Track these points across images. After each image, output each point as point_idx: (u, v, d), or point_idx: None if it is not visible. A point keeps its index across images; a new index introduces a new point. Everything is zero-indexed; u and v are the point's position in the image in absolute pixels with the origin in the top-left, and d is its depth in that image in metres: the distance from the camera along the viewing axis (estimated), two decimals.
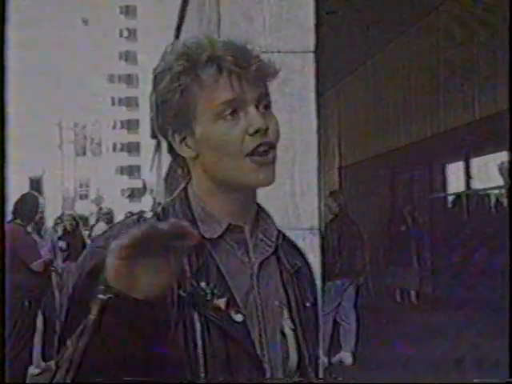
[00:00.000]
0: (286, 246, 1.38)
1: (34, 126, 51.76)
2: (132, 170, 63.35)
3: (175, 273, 1.08)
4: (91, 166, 55.41)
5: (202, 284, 1.23)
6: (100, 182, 54.29)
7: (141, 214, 1.32)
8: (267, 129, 1.25)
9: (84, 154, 51.96)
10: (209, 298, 1.23)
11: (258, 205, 1.36)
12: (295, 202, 3.28)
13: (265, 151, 1.25)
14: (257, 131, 1.24)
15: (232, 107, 1.24)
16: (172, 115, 1.27)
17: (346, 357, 7.17)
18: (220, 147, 1.25)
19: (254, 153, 1.24)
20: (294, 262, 1.38)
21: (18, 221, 5.82)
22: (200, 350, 1.21)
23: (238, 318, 1.24)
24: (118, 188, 60.06)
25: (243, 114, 1.25)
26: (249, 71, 1.24)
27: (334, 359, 7.02)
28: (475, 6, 7.62)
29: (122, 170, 64.19)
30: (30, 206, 5.94)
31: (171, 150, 1.31)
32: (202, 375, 1.21)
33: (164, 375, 1.19)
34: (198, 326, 1.22)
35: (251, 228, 1.32)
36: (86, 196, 51.26)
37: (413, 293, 11.06)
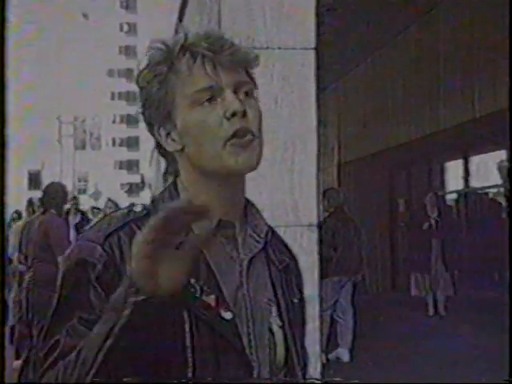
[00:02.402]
0: (274, 242, 1.37)
1: (33, 120, 51.72)
2: (131, 165, 63.32)
3: (190, 264, 1.06)
4: (90, 161, 55.34)
5: (192, 280, 1.20)
6: (99, 176, 54.22)
7: (131, 206, 1.30)
8: (245, 113, 1.23)
9: (83, 148, 51.88)
10: (198, 294, 1.21)
11: (247, 200, 1.34)
12: (294, 198, 3.28)
13: (243, 135, 1.23)
14: (234, 114, 1.22)
15: (209, 94, 1.23)
16: (154, 109, 1.27)
17: (343, 353, 7.19)
18: (199, 134, 1.24)
19: (233, 137, 1.22)
20: (282, 258, 1.37)
21: (53, 211, 5.80)
22: (189, 348, 1.19)
23: (228, 315, 1.23)
24: (116, 183, 60.04)
25: (220, 100, 1.23)
26: (223, 56, 1.23)
27: (331, 356, 7.04)
28: (476, 3, 7.62)
29: (120, 165, 64.15)
30: (60, 196, 5.91)
31: (158, 145, 1.31)
32: (190, 373, 1.19)
33: (153, 374, 1.18)
34: (187, 323, 1.20)
35: (240, 223, 1.31)
36: (85, 190, 51.14)
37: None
